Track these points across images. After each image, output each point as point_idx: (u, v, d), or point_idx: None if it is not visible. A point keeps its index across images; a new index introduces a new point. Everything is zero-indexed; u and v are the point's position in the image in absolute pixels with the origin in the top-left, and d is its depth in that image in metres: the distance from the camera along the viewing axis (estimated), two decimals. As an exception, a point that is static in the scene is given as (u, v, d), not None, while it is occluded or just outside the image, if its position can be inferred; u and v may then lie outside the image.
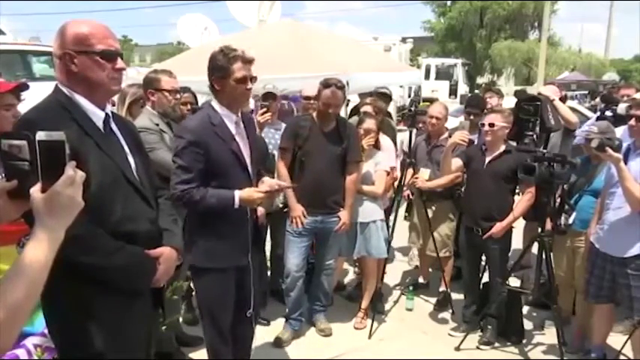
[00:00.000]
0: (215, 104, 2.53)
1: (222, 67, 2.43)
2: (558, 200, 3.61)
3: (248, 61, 2.46)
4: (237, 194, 2.44)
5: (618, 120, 4.01)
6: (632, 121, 3.05)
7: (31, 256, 1.04)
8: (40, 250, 1.05)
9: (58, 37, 1.71)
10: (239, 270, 2.60)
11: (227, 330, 2.65)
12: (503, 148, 3.63)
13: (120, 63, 1.75)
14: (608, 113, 4.45)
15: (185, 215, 2.62)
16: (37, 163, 1.09)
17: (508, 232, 3.65)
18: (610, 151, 2.94)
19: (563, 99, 4.91)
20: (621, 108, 4.16)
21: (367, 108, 4.34)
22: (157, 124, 3.04)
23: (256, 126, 3.18)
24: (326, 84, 3.48)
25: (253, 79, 2.49)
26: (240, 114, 2.58)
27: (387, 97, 5.07)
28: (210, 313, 2.65)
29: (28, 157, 1.12)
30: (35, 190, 1.09)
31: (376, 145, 3.97)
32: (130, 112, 3.23)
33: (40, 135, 1.09)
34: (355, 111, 5.18)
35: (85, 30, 1.69)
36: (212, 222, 2.53)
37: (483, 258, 3.92)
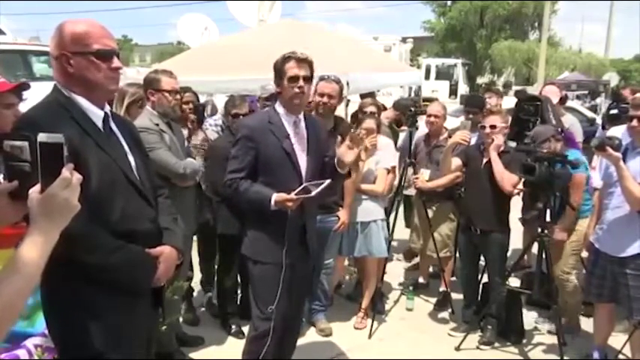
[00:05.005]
0: (277, 105, 2.67)
1: (279, 70, 2.55)
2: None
3: (301, 60, 2.52)
4: (274, 196, 2.45)
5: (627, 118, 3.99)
6: (635, 122, 3.03)
7: (25, 256, 1.05)
8: (34, 250, 1.06)
9: (55, 38, 1.70)
10: (289, 266, 2.58)
11: (266, 317, 2.64)
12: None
13: (116, 62, 1.74)
14: (614, 111, 4.43)
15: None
16: (38, 164, 1.09)
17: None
18: (610, 150, 2.92)
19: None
20: None
21: (370, 108, 4.33)
22: (157, 124, 3.04)
23: None
24: (321, 77, 3.59)
25: (307, 78, 2.53)
26: (302, 116, 2.65)
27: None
28: (253, 300, 2.76)
29: (29, 158, 1.12)
30: (34, 191, 1.09)
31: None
32: (128, 112, 3.22)
33: (42, 137, 1.09)
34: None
35: (80, 30, 1.68)
36: (255, 216, 2.64)
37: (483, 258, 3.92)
